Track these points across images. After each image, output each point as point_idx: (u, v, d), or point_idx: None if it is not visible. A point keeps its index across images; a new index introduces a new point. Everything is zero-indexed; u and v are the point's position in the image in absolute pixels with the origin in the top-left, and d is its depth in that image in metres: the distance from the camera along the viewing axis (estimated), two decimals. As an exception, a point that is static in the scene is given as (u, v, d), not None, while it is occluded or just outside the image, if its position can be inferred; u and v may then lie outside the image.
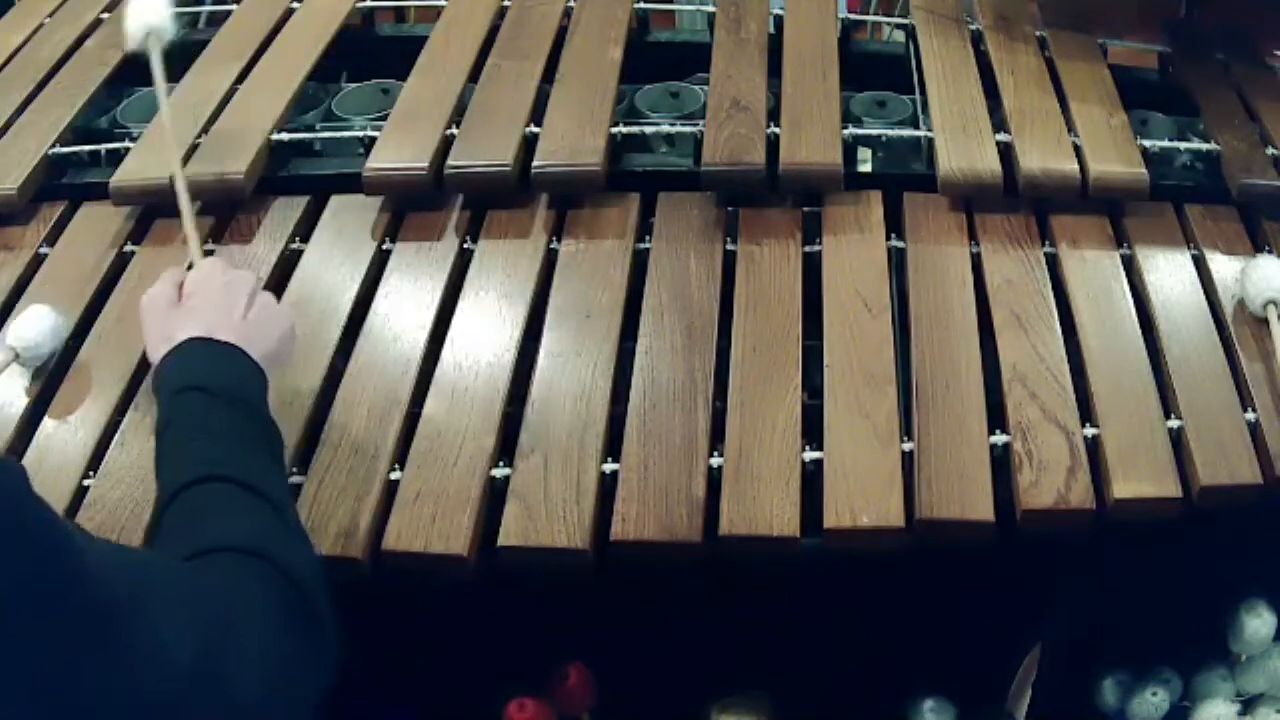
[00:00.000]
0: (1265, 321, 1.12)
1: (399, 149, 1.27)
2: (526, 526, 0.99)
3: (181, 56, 1.45)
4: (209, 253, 1.23)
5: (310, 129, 1.36)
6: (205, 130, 1.32)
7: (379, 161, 1.26)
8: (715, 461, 1.02)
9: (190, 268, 1.02)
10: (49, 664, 0.60)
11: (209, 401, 0.87)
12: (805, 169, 1.25)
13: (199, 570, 0.75)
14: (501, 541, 0.98)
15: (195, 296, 0.96)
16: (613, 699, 1.13)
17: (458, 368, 1.10)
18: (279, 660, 0.73)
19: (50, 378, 1.12)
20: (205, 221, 1.26)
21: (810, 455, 1.03)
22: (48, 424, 1.08)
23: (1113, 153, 1.27)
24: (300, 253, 1.23)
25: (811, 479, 1.01)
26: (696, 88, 1.40)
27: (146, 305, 0.98)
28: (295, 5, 1.54)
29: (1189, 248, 1.23)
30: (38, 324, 1.11)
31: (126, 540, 0.98)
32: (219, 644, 0.68)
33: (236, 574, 0.75)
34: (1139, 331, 1.13)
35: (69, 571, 0.62)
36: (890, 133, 1.32)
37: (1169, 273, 1.19)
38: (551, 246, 1.22)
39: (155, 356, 0.93)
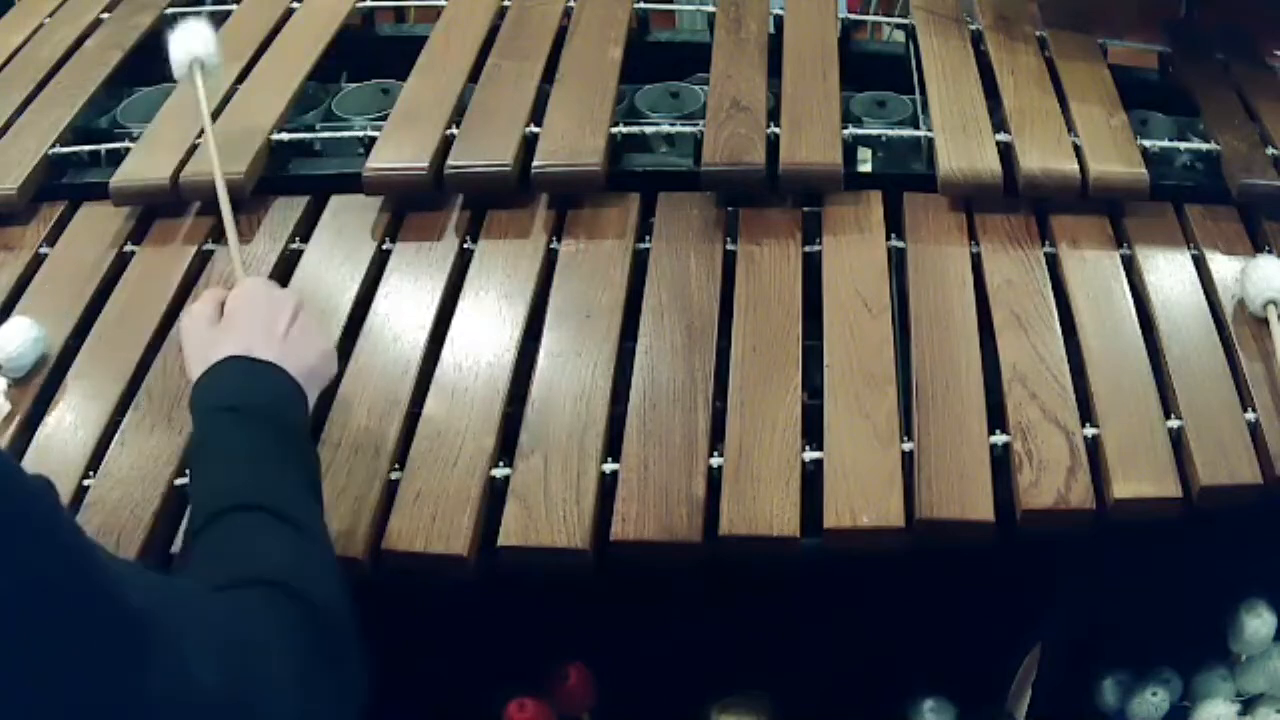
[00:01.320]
0: (1265, 321, 1.12)
1: (399, 149, 1.27)
2: (526, 526, 0.99)
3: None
4: (209, 254, 1.23)
5: (310, 129, 1.36)
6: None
7: (379, 161, 1.26)
8: (715, 461, 1.02)
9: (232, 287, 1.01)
10: (73, 681, 0.59)
11: (243, 422, 0.86)
12: (805, 169, 1.25)
13: (227, 601, 0.73)
14: (501, 541, 0.98)
15: (236, 315, 0.95)
16: (613, 699, 1.13)
17: (458, 368, 1.10)
18: (307, 692, 0.72)
19: (50, 378, 1.12)
20: (205, 221, 1.26)
21: (810, 455, 1.03)
22: (48, 424, 1.08)
23: (1113, 153, 1.27)
24: (300, 253, 1.23)
25: (811, 479, 1.01)
26: (696, 88, 1.40)
27: (186, 323, 0.97)
28: (295, 5, 1.54)
29: (1189, 248, 1.23)
30: (18, 336, 1.11)
31: (126, 540, 0.98)
32: (246, 673, 0.67)
33: (264, 606, 0.74)
34: (1139, 331, 1.13)
35: (97, 590, 0.61)
36: (890, 133, 1.32)
37: (1169, 273, 1.19)
38: (551, 246, 1.22)
39: (193, 375, 0.92)
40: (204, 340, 0.94)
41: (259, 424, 0.87)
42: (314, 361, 0.95)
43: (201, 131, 1.31)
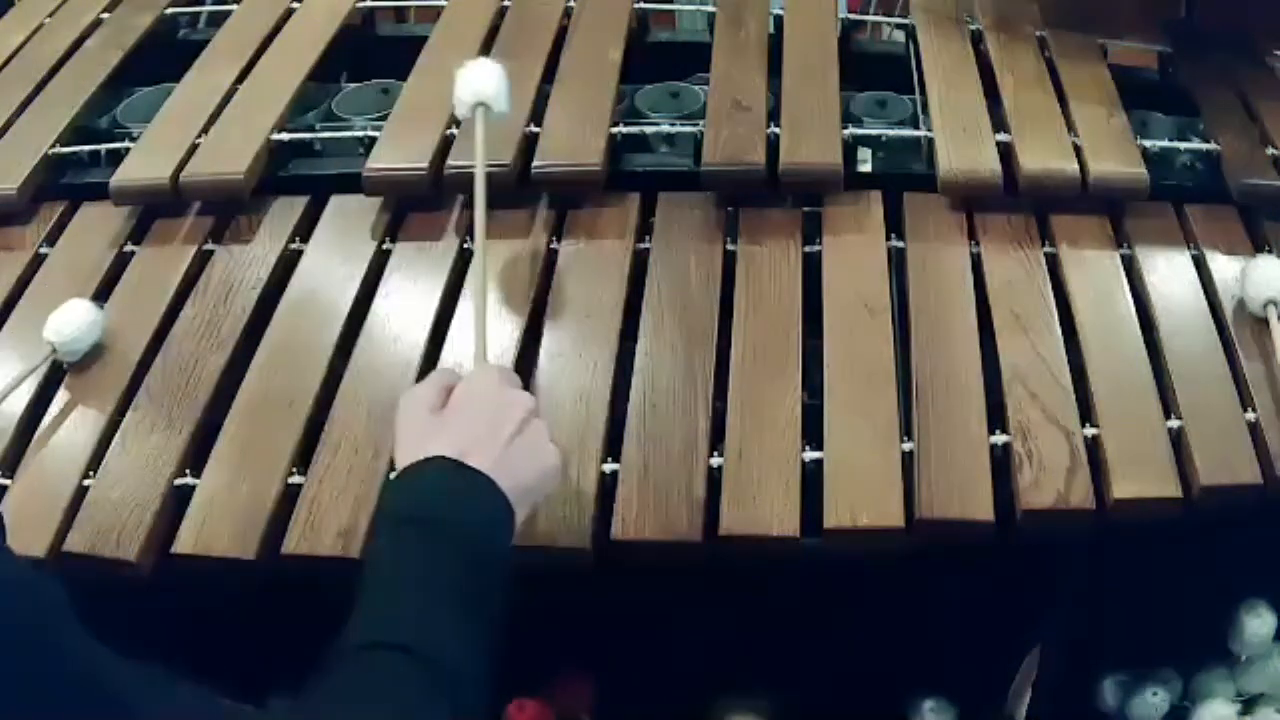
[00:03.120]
0: (1265, 321, 1.12)
1: (399, 149, 1.27)
2: (527, 526, 0.98)
3: (181, 56, 1.46)
4: (209, 254, 1.23)
5: (310, 129, 1.36)
6: (205, 130, 1.32)
7: (379, 161, 1.26)
8: (715, 461, 1.02)
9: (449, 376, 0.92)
10: None
11: (429, 542, 0.77)
12: (805, 169, 1.25)
13: None
14: (501, 541, 0.98)
15: (459, 408, 0.86)
16: (613, 699, 1.13)
17: (458, 368, 1.10)
18: None
19: (50, 378, 1.12)
20: (205, 221, 1.26)
21: (810, 455, 1.03)
22: (48, 424, 1.08)
23: (1113, 153, 1.27)
24: (300, 253, 1.23)
25: (811, 479, 1.01)
26: (696, 88, 1.40)
27: (405, 405, 0.88)
28: (295, 5, 1.54)
29: (1189, 248, 1.23)
30: (75, 319, 1.11)
31: (126, 540, 0.98)
32: None
33: None
34: (1139, 331, 1.13)
35: None
36: (890, 133, 1.32)
37: (1169, 273, 1.19)
38: (551, 246, 1.22)
39: (398, 462, 0.84)
40: (418, 428, 0.85)
41: (447, 547, 0.77)
42: (533, 480, 0.86)
43: (203, 131, 1.32)
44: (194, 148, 1.29)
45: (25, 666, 0.56)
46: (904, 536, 0.98)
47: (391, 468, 1.02)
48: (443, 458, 0.81)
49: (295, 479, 1.02)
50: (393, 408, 1.06)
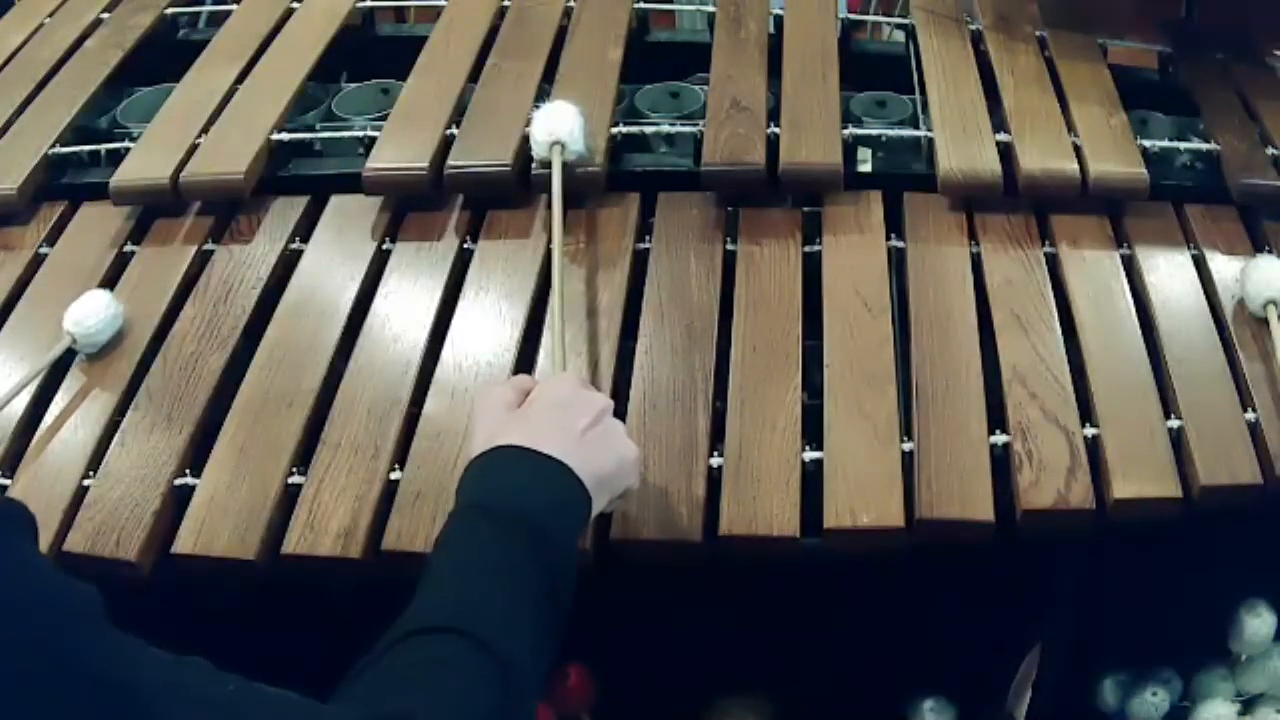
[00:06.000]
0: (1265, 321, 1.12)
1: (399, 149, 1.27)
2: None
3: (181, 56, 1.46)
4: (208, 254, 1.23)
5: (310, 129, 1.36)
6: (205, 130, 1.32)
7: (379, 161, 1.26)
8: (715, 461, 1.02)
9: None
10: None
11: (497, 528, 0.77)
12: (805, 169, 1.25)
13: None
14: (501, 541, 0.98)
15: (535, 404, 0.87)
16: (613, 699, 1.13)
17: (458, 368, 1.10)
18: None
19: (51, 377, 1.12)
20: (205, 221, 1.26)
21: (810, 455, 1.03)
22: (48, 424, 1.08)
23: (1113, 153, 1.27)
24: (300, 253, 1.23)
25: (811, 479, 1.01)
26: (696, 88, 1.40)
27: (482, 401, 0.90)
28: (295, 5, 1.54)
29: (1189, 248, 1.23)
30: (95, 310, 1.12)
31: (126, 540, 0.98)
32: None
33: None
34: (1139, 331, 1.13)
35: None
36: (890, 133, 1.32)
37: (1169, 273, 1.19)
38: (551, 246, 1.22)
39: (471, 453, 0.84)
40: (494, 421, 0.85)
41: (516, 534, 0.77)
42: (610, 468, 0.85)
43: (203, 131, 1.32)
44: (194, 148, 1.29)
45: (44, 668, 0.56)
46: (904, 536, 0.98)
47: (390, 469, 1.02)
48: (514, 446, 0.81)
49: (295, 479, 1.02)
50: (393, 407, 1.07)
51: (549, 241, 1.22)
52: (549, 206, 1.25)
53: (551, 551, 0.78)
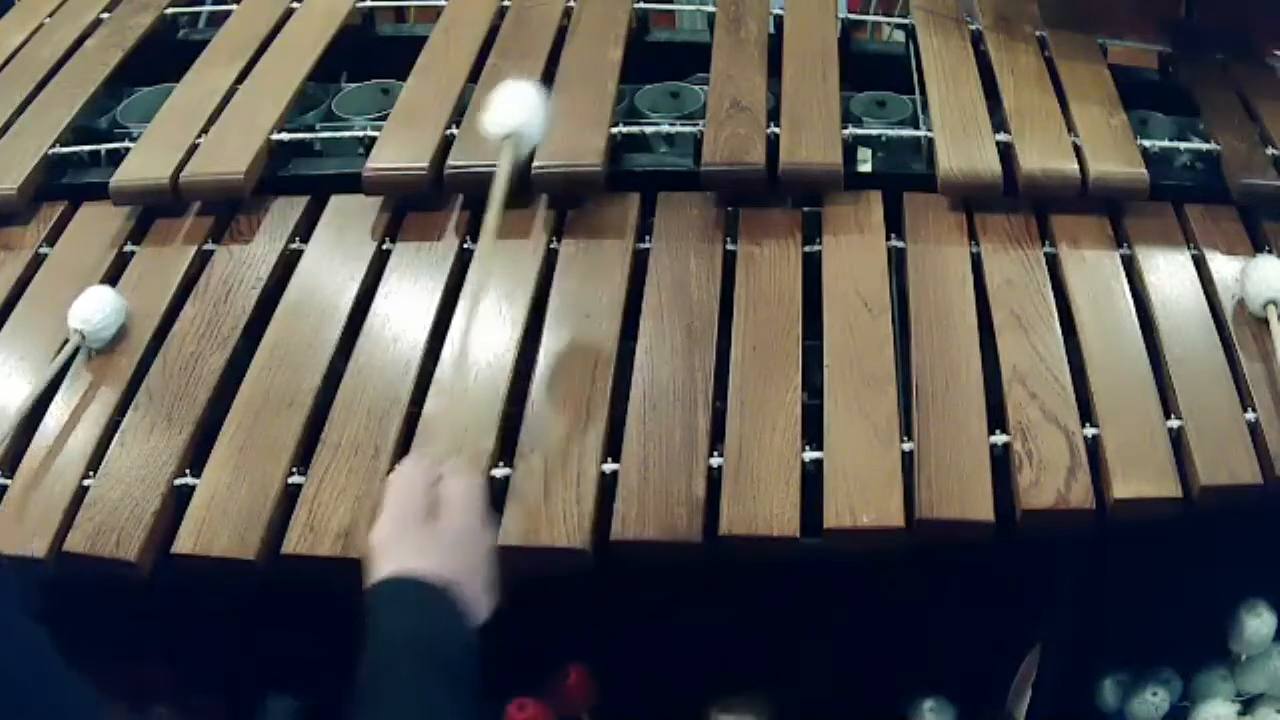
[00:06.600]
0: (1265, 321, 1.12)
1: (399, 149, 1.27)
2: (526, 526, 0.99)
3: (181, 56, 1.46)
4: (208, 254, 1.23)
5: (310, 129, 1.36)
6: (205, 130, 1.32)
7: (379, 161, 1.26)
8: (715, 461, 1.02)
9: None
10: None
11: (416, 676, 0.79)
12: (805, 169, 1.25)
13: None
14: (501, 541, 0.98)
15: (450, 526, 0.86)
16: (613, 699, 1.13)
17: (458, 368, 1.10)
18: None
19: (51, 377, 1.12)
20: (205, 221, 1.27)
21: (810, 455, 1.03)
22: (48, 424, 1.08)
23: (1113, 153, 1.27)
24: (300, 253, 1.23)
25: (811, 479, 1.01)
26: (696, 88, 1.40)
27: (394, 491, 0.88)
28: (295, 5, 1.54)
29: (1189, 248, 1.23)
30: (103, 305, 1.12)
31: (126, 540, 0.98)
32: None
33: None
34: (1139, 331, 1.13)
35: None
36: (890, 133, 1.32)
37: (1169, 273, 1.19)
38: (551, 246, 1.22)
39: (379, 545, 0.85)
40: (411, 534, 0.85)
41: (440, 687, 0.79)
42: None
43: (203, 131, 1.32)
44: (194, 148, 1.29)
45: None
46: (904, 536, 0.98)
47: (390, 469, 1.03)
48: (436, 589, 0.82)
49: (295, 479, 1.02)
50: (393, 407, 1.06)
51: (549, 242, 1.22)
52: (549, 206, 1.25)
53: (471, 684, 0.81)
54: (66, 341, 1.13)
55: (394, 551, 0.84)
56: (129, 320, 1.15)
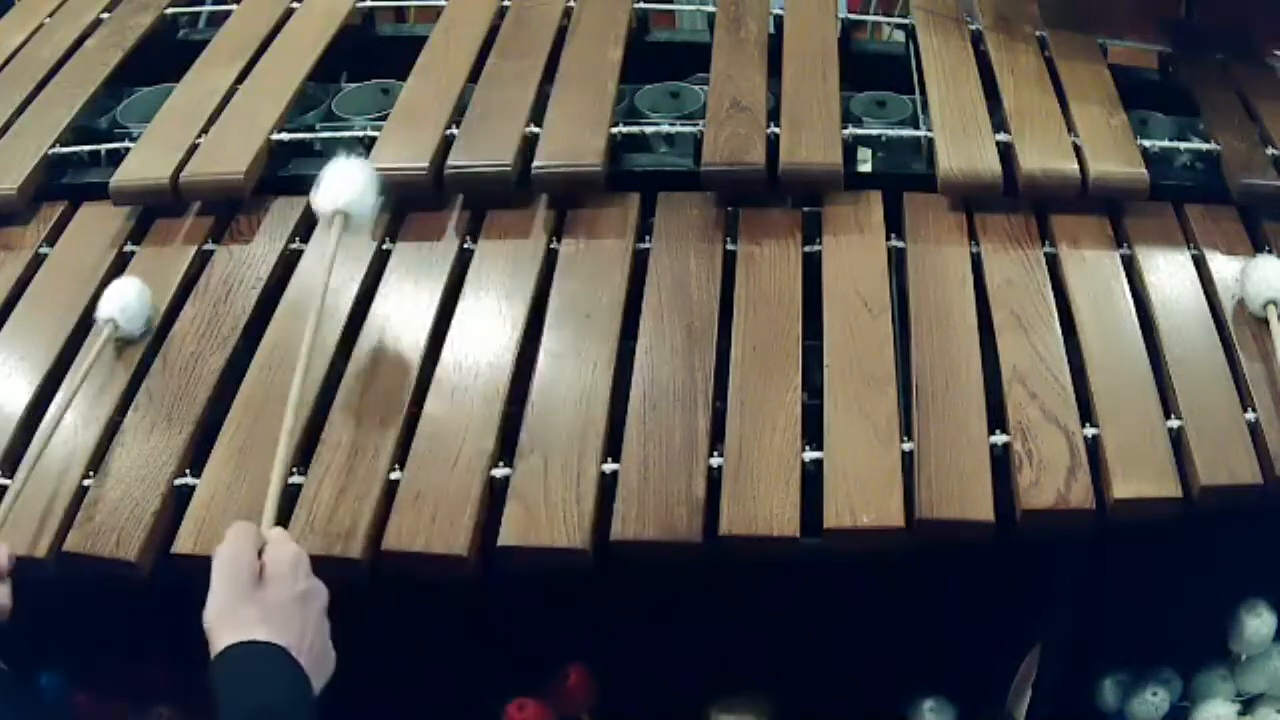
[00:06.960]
0: (1265, 321, 1.12)
1: (399, 149, 1.27)
2: (526, 526, 0.99)
3: (181, 56, 1.46)
4: (208, 254, 1.23)
5: (310, 129, 1.36)
6: (205, 130, 1.32)
7: (379, 161, 1.25)
8: (715, 461, 1.02)
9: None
10: None
11: None
12: (805, 169, 1.25)
13: None
14: (501, 541, 0.98)
15: (275, 588, 0.87)
16: (613, 699, 1.13)
17: (458, 368, 1.10)
18: None
19: (51, 377, 1.12)
20: (205, 221, 1.26)
21: (810, 455, 1.03)
22: (48, 424, 1.08)
23: (1113, 153, 1.27)
24: (300, 253, 1.23)
25: (811, 479, 1.01)
26: (696, 88, 1.40)
27: (221, 563, 0.88)
28: (295, 5, 1.54)
29: (1189, 248, 1.23)
30: (135, 295, 1.13)
31: (126, 540, 0.98)
32: None
33: None
34: (1139, 331, 1.13)
35: None
36: (890, 133, 1.32)
37: (1169, 273, 1.19)
38: (551, 246, 1.22)
39: (214, 615, 0.86)
40: (243, 604, 0.86)
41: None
42: (328, 669, 0.89)
43: (203, 131, 1.32)
44: (194, 148, 1.29)
45: None
46: (904, 536, 0.98)
47: (390, 469, 1.03)
48: (278, 650, 0.84)
49: (295, 479, 1.02)
50: (393, 407, 1.06)
51: (549, 242, 1.22)
52: (549, 206, 1.25)
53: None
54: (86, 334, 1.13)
55: (230, 622, 0.85)
56: (147, 304, 1.15)
